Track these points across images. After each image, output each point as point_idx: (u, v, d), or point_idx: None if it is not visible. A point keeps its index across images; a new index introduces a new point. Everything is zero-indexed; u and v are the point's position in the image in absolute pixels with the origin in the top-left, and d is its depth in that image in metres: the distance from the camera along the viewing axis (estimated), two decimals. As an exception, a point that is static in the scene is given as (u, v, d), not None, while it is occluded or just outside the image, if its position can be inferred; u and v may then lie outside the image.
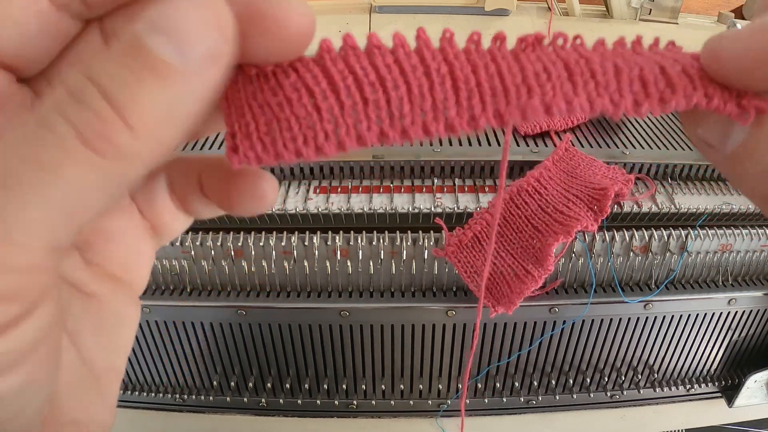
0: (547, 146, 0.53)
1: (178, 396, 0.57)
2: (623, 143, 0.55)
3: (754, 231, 0.50)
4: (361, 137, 0.13)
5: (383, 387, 0.56)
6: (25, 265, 0.11)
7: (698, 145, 0.15)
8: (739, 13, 0.98)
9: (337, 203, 0.49)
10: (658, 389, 0.58)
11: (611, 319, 0.53)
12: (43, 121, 0.11)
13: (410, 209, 0.49)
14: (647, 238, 0.49)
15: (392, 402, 0.57)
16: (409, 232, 0.47)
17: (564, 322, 0.52)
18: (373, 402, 0.57)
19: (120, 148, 0.11)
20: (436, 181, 0.52)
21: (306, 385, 0.56)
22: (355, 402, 0.57)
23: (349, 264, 0.49)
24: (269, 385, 0.56)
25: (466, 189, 0.51)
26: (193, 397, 0.57)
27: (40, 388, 0.12)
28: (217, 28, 0.12)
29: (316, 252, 0.48)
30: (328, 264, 0.49)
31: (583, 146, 0.54)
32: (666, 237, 0.49)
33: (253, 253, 0.48)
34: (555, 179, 0.48)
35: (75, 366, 0.15)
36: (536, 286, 0.39)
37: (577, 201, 0.45)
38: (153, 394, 0.57)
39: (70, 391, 0.15)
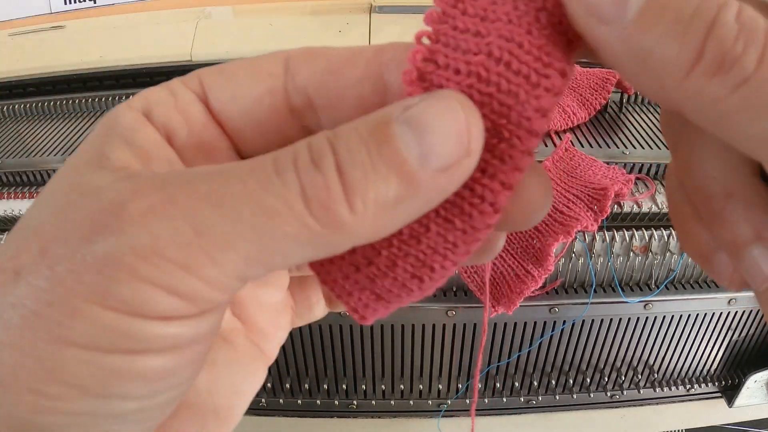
0: (546, 146, 0.53)
1: (178, 396, 0.57)
2: (623, 143, 0.55)
3: (754, 231, 0.50)
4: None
5: (383, 387, 0.56)
6: (212, 279, 0.12)
7: (584, 25, 0.12)
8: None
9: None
10: (658, 389, 0.58)
11: (611, 319, 0.53)
12: (278, 167, 0.12)
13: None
14: (647, 238, 0.49)
15: (392, 402, 0.57)
16: (409, 232, 0.48)
17: (564, 322, 0.52)
18: (373, 402, 0.57)
19: (334, 222, 0.12)
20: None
21: (306, 385, 0.56)
22: (355, 402, 0.57)
23: (349, 264, 0.49)
24: (269, 385, 0.56)
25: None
26: (193, 397, 0.57)
27: (178, 384, 0.13)
28: (463, 143, 0.12)
29: (316, 252, 0.48)
30: (328, 264, 0.49)
31: (583, 146, 0.54)
32: (666, 237, 0.49)
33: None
34: (555, 179, 0.48)
35: (203, 391, 0.16)
36: (536, 286, 0.39)
37: (577, 201, 0.45)
38: None
39: (194, 410, 0.16)
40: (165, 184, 0.12)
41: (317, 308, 0.21)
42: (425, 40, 0.13)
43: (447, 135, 0.12)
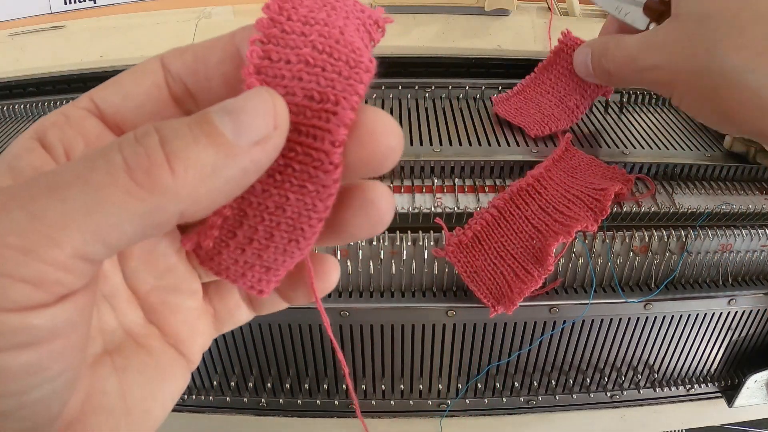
0: (546, 146, 0.53)
1: (178, 396, 0.57)
2: (623, 143, 0.55)
3: (754, 231, 0.50)
4: None
5: (383, 387, 0.56)
6: (54, 260, 0.12)
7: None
8: (739, 13, 0.98)
9: (337, 203, 0.49)
10: (658, 389, 0.58)
11: (611, 319, 0.53)
12: (103, 151, 0.13)
13: (410, 209, 0.49)
14: (647, 238, 0.49)
15: (392, 402, 0.57)
16: (409, 232, 0.48)
17: (564, 322, 0.52)
18: (373, 402, 0.57)
19: (157, 185, 0.13)
20: (436, 181, 0.52)
21: (306, 385, 0.56)
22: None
23: (349, 264, 0.49)
24: (269, 385, 0.56)
25: (466, 189, 0.51)
26: (193, 397, 0.57)
27: (53, 377, 0.14)
28: (271, 120, 0.14)
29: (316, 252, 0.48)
30: (328, 264, 0.49)
31: (582, 146, 0.54)
32: (666, 237, 0.49)
33: (253, 253, 0.48)
34: (555, 179, 0.48)
35: (112, 394, 0.17)
36: (536, 286, 0.39)
37: (577, 201, 0.45)
38: None
39: (102, 412, 0.17)
40: (10, 188, 0.13)
41: (239, 312, 0.22)
42: (259, 44, 0.16)
43: (256, 114, 0.14)
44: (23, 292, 0.12)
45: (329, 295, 0.50)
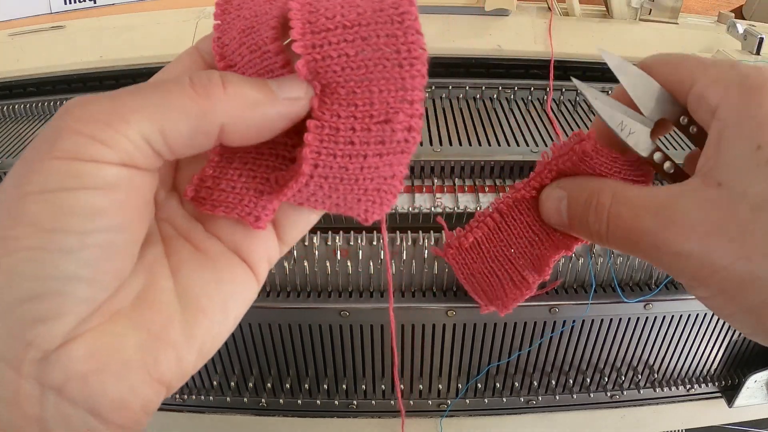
0: (547, 146, 0.53)
1: (178, 396, 0.57)
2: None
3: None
4: None
5: (383, 387, 0.56)
6: (124, 132, 0.16)
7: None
8: (739, 13, 0.98)
9: (337, 203, 0.49)
10: (658, 389, 0.58)
11: (611, 319, 0.53)
12: (179, 77, 0.18)
13: (410, 209, 0.49)
14: (647, 238, 0.49)
15: (392, 402, 0.57)
16: (409, 232, 0.48)
17: (564, 322, 0.52)
18: (373, 402, 0.57)
19: (211, 95, 0.18)
20: (436, 181, 0.52)
21: (306, 385, 0.56)
22: (355, 402, 0.57)
23: (349, 264, 0.49)
24: (269, 385, 0.56)
25: (466, 189, 0.51)
26: (193, 397, 0.57)
27: (107, 228, 0.17)
28: (303, 93, 0.19)
29: (316, 252, 0.48)
30: (328, 264, 0.49)
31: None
32: (666, 237, 0.49)
33: (253, 253, 0.48)
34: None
35: (167, 290, 0.19)
36: (531, 293, 0.37)
37: None
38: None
39: (155, 307, 0.19)
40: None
41: (296, 233, 0.24)
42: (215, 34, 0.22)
43: (293, 83, 0.19)
44: (98, 148, 0.16)
45: (329, 295, 0.50)
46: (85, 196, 0.16)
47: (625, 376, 0.58)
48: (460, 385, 0.57)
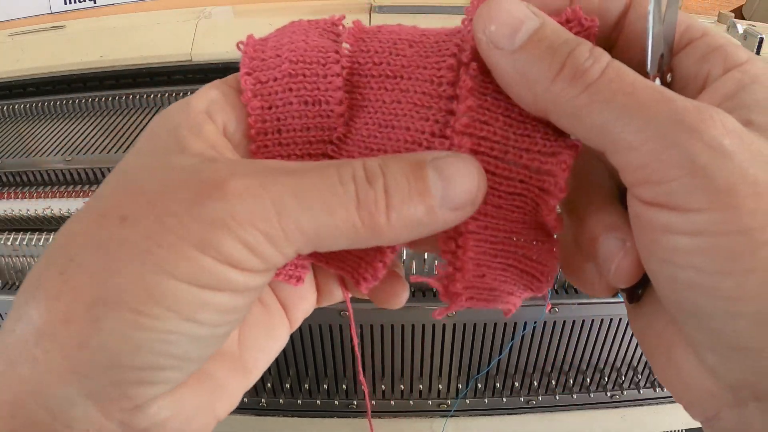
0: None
1: (178, 396, 0.57)
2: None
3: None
4: None
5: (383, 387, 0.56)
6: (281, 248, 0.16)
7: (485, 50, 0.17)
8: (739, 13, 0.98)
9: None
10: (658, 389, 0.58)
11: (611, 319, 0.53)
12: (341, 178, 0.16)
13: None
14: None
15: (392, 402, 0.57)
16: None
17: (564, 322, 0.52)
18: (373, 402, 0.57)
19: (374, 227, 0.16)
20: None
21: (306, 385, 0.56)
22: (355, 402, 0.57)
23: (349, 264, 0.49)
24: (269, 385, 0.56)
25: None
26: (193, 397, 0.57)
27: (234, 321, 0.17)
28: (472, 197, 0.17)
29: (316, 252, 0.48)
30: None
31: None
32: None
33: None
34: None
35: (232, 342, 0.21)
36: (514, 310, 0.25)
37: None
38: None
39: (220, 358, 0.20)
40: (254, 170, 0.16)
41: (336, 293, 0.26)
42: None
43: (463, 188, 0.17)
44: (251, 260, 0.16)
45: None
46: (227, 298, 0.16)
47: (625, 376, 0.58)
48: (460, 385, 0.57)
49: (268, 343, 0.22)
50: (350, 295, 0.25)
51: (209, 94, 0.19)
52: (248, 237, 0.15)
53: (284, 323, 0.23)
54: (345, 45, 0.20)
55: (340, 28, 0.20)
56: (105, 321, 0.15)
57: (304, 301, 0.24)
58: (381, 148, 0.19)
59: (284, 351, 0.53)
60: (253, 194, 0.16)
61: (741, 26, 0.65)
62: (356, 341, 0.25)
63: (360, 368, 0.26)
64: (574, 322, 0.52)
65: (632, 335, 0.54)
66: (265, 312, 0.22)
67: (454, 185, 0.17)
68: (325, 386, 0.56)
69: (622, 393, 0.58)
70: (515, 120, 0.18)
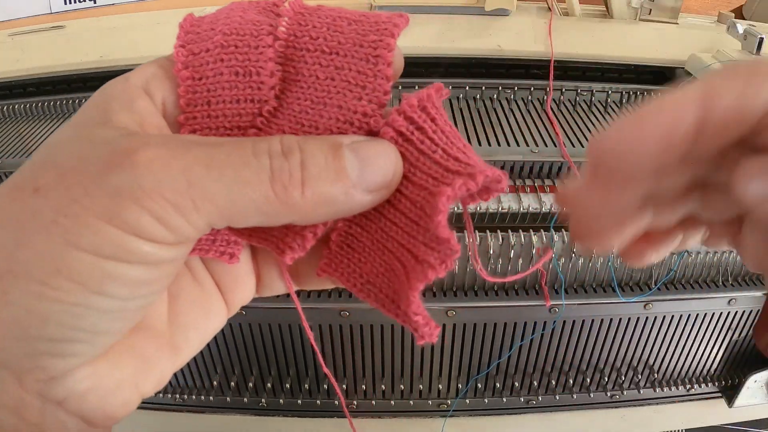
0: (547, 146, 0.53)
1: (178, 396, 0.57)
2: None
3: (754, 231, 0.50)
4: None
5: (383, 387, 0.56)
6: (191, 220, 0.16)
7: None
8: (739, 13, 0.98)
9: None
10: (658, 389, 0.58)
11: (611, 319, 0.53)
12: (256, 150, 0.16)
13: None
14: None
15: (392, 402, 0.57)
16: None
17: (564, 322, 0.52)
18: (373, 402, 0.57)
19: (288, 200, 0.16)
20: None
21: (306, 385, 0.56)
22: (355, 402, 0.57)
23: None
24: (269, 385, 0.56)
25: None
26: (193, 397, 0.57)
27: (148, 294, 0.17)
28: (387, 180, 0.17)
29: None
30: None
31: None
32: (666, 237, 0.49)
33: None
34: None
35: (162, 317, 0.20)
36: (436, 275, 0.23)
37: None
38: (153, 394, 0.57)
39: (149, 332, 0.20)
40: (167, 142, 0.16)
41: (278, 284, 0.24)
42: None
43: (380, 172, 0.17)
44: (161, 231, 0.15)
45: (329, 295, 0.50)
46: (136, 270, 0.16)
47: (625, 376, 0.58)
48: (460, 385, 0.57)
49: (202, 322, 0.22)
50: (295, 289, 0.24)
51: (149, 69, 0.19)
52: (156, 207, 0.15)
53: (221, 305, 0.23)
54: (284, 19, 0.20)
55: (281, 8, 0.20)
56: (12, 293, 0.15)
57: (241, 284, 0.23)
58: (312, 125, 0.19)
59: (284, 351, 0.54)
60: (162, 164, 0.15)
61: (741, 26, 0.65)
62: (311, 334, 0.24)
63: (321, 360, 0.25)
64: (574, 322, 0.52)
65: (632, 335, 0.54)
66: (198, 289, 0.22)
67: (371, 167, 0.17)
68: (325, 386, 0.56)
69: (622, 393, 0.58)
70: (445, 132, 0.18)
